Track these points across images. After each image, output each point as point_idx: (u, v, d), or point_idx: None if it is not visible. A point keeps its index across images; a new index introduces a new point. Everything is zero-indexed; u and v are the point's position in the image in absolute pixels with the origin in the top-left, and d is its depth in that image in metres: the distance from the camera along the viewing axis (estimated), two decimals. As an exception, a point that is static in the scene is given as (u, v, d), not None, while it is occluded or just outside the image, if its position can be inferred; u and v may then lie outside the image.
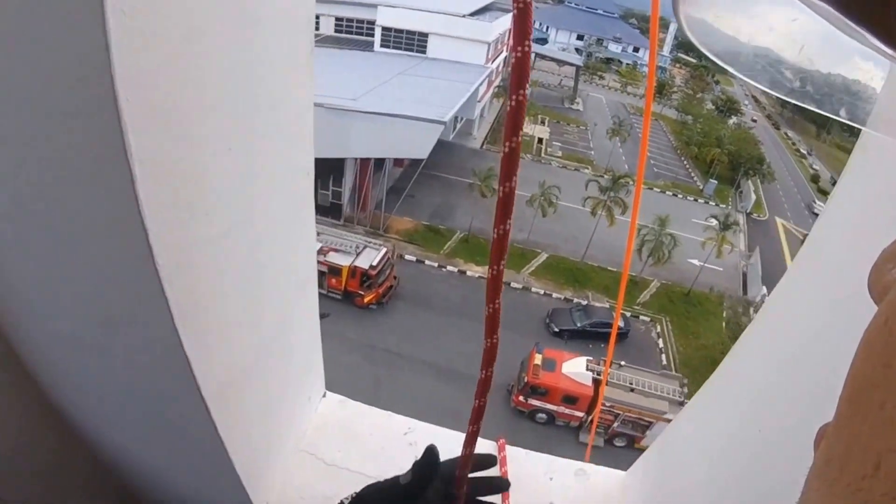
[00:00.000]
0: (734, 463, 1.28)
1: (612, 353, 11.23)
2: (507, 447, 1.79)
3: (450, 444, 1.90)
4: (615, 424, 19.52)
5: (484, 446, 1.79)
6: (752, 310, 26.19)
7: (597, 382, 19.62)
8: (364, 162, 26.98)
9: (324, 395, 1.87)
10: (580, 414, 19.64)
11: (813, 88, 0.51)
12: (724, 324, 26.48)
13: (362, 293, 22.95)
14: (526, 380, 19.40)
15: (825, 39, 0.42)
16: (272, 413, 1.50)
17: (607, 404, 19.23)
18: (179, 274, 0.84)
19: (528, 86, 0.64)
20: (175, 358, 0.91)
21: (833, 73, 0.48)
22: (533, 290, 26.36)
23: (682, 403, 19.85)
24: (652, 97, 1.95)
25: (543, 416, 19.83)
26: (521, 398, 19.71)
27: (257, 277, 1.17)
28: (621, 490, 1.79)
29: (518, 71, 0.62)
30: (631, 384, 19.68)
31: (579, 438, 19.75)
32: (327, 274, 22.96)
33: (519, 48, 0.61)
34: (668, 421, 16.77)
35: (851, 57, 0.46)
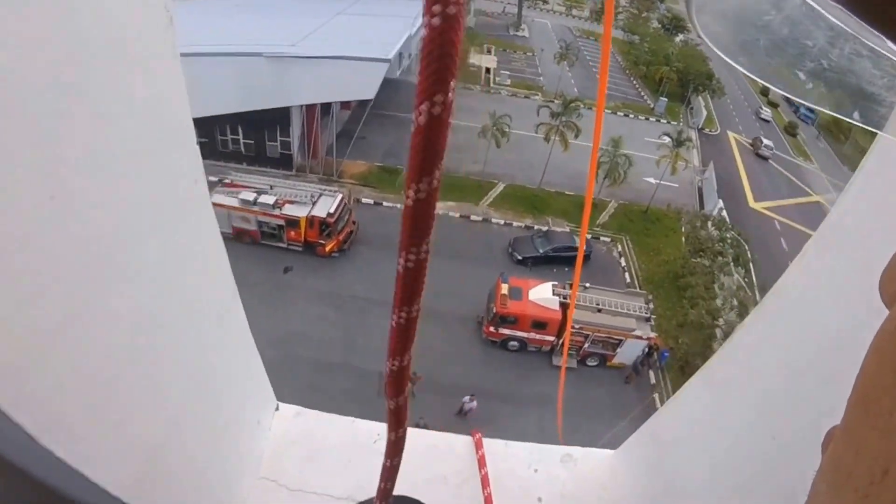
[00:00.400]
0: (731, 445, 1.27)
1: (578, 276, 11.24)
2: (485, 441, 1.65)
3: (425, 446, 1.49)
4: (586, 345, 20.21)
5: (460, 442, 1.70)
6: (709, 223, 27.16)
7: (564, 306, 20.10)
8: (310, 108, 25.99)
9: (276, 409, 1.70)
10: (551, 338, 20.18)
11: (827, 90, 0.50)
12: (683, 238, 27.38)
13: (323, 242, 22.45)
14: (494, 310, 19.65)
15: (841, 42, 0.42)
16: (216, 457, 1.35)
17: (576, 326, 19.82)
18: (25, 383, 0.66)
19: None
20: (64, 480, 0.72)
21: (848, 75, 0.47)
22: (493, 221, 26.36)
23: (648, 319, 20.73)
24: (611, 19, 1.63)
25: (515, 343, 20.30)
26: (491, 328, 20.03)
27: (151, 342, 0.98)
28: (611, 473, 1.70)
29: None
30: (598, 305, 20.24)
31: (552, 362, 20.41)
32: (286, 227, 22.38)
33: None
34: (638, 338, 17.39)
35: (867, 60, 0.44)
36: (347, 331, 20.15)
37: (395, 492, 1.33)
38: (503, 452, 1.64)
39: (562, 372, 7.99)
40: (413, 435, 1.46)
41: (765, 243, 27.36)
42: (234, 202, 22.08)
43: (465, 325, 20.95)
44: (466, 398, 17.96)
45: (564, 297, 20.06)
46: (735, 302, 21.17)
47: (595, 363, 20.25)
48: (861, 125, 0.51)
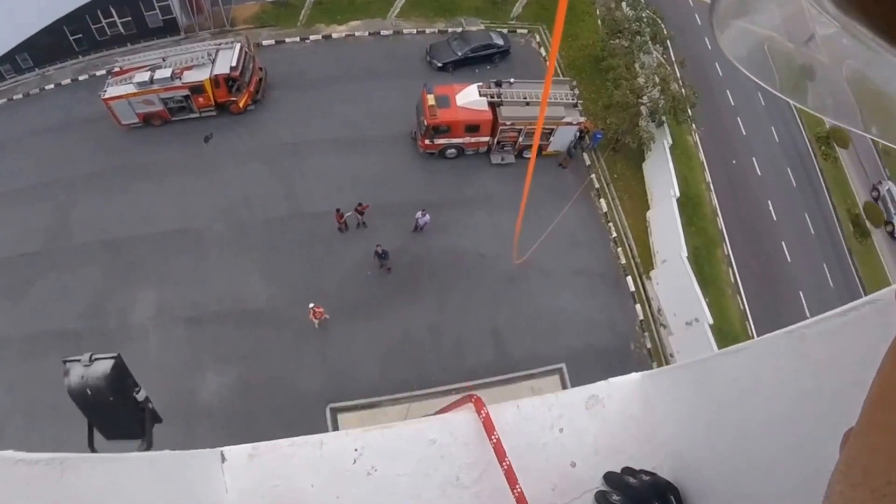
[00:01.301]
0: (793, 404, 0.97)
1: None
2: (490, 408, 1.31)
3: (410, 443, 1.30)
4: (520, 139, 20.66)
5: (461, 417, 1.35)
6: (623, 4, 26.23)
7: (493, 105, 20.07)
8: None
9: (223, 462, 1.31)
10: (486, 139, 20.46)
11: (846, 104, 0.50)
12: (599, 21, 26.66)
13: (234, 99, 21.04)
14: (425, 123, 19.47)
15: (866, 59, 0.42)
16: None
17: (508, 123, 20.04)
18: None
19: None
20: None
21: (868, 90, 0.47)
22: (405, 32, 24.85)
23: (575, 105, 20.99)
24: None
25: (453, 150, 20.53)
26: (426, 141, 20.04)
27: None
28: (644, 402, 1.39)
29: None
30: (525, 98, 20.25)
31: (491, 161, 21.01)
32: (191, 95, 20.75)
33: None
34: (569, 124, 17.59)
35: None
36: (285, 180, 19.92)
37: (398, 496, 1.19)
38: (513, 417, 1.33)
39: (522, 203, 8.02)
40: (400, 435, 1.26)
41: (679, 20, 27.02)
42: (130, 88, 20.11)
43: (401, 144, 20.90)
44: (419, 214, 18.64)
45: (492, 97, 19.92)
46: (657, 79, 21.47)
47: (530, 155, 20.91)
48: (880, 140, 0.51)
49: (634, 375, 1.41)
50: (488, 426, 1.23)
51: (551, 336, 18.03)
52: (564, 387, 17.05)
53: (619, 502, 1.10)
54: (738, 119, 25.93)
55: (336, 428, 15.96)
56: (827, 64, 0.49)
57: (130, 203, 19.93)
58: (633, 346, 19.28)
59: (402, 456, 1.19)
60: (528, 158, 20.90)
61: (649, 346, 19.31)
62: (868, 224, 26.74)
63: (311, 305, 16.81)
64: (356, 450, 1.26)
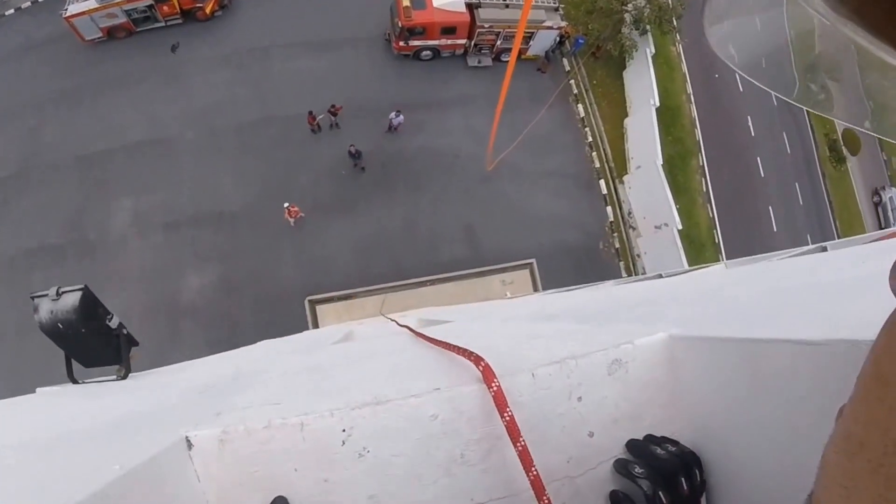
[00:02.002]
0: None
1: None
2: (505, 379, 1.13)
3: (407, 420, 1.12)
4: (498, 42, 20.26)
5: (466, 389, 1.17)
6: None
7: (470, 7, 19.55)
8: None
9: (189, 448, 1.11)
10: (462, 41, 20.01)
11: (837, 100, 0.50)
12: None
13: (200, 5, 20.20)
14: (400, 24, 18.93)
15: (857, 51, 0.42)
16: None
17: (487, 26, 19.59)
18: None
19: None
20: None
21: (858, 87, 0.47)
22: None
23: (557, 9, 20.48)
24: None
25: (429, 52, 20.13)
26: (401, 43, 19.58)
27: None
28: (670, 364, 1.24)
29: None
30: (505, 1, 19.74)
31: (467, 63, 20.68)
32: (156, 4, 19.82)
33: None
34: (549, 28, 17.15)
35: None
36: (256, 85, 19.55)
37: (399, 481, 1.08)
38: (531, 387, 1.16)
39: (498, 109, 7.73)
40: (396, 413, 1.11)
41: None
42: (92, 4, 19.13)
43: (374, 46, 20.41)
44: (392, 114, 18.52)
45: (469, -2, 19.37)
46: (641, -15, 20.83)
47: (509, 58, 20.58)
48: (873, 133, 0.51)
49: (661, 335, 1.23)
50: (500, 401, 1.07)
51: (523, 233, 18.46)
52: (534, 280, 17.62)
53: (642, 474, 1.02)
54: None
55: (315, 318, 16.53)
56: (818, 60, 0.50)
57: (100, 118, 19.57)
58: (601, 245, 19.84)
59: (397, 435, 1.09)
60: (506, 62, 20.51)
61: (617, 246, 19.86)
62: (845, 151, 27.00)
63: (286, 205, 16.99)
64: (344, 430, 1.10)
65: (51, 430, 1.65)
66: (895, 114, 0.50)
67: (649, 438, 1.15)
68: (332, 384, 1.57)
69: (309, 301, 16.41)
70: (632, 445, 1.15)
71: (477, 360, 1.15)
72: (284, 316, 16.40)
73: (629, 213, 20.36)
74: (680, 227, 18.62)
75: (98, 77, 20.19)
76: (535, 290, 17.31)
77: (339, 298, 16.57)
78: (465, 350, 1.24)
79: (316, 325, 16.56)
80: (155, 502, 0.94)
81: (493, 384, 1.08)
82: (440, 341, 1.56)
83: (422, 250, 17.79)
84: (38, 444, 1.36)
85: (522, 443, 1.05)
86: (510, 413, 1.06)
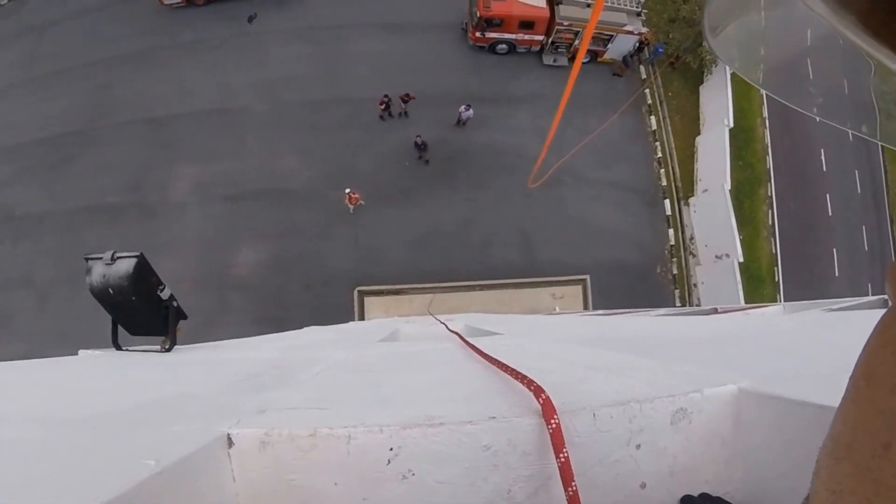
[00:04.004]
0: None
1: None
2: (564, 415, 1.05)
3: (458, 447, 1.05)
4: (576, 42, 19.60)
5: (522, 421, 1.08)
6: None
7: (551, 3, 18.96)
8: None
9: (230, 447, 1.05)
10: (540, 38, 19.45)
11: (837, 104, 0.51)
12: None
13: (278, -22, 20.22)
14: (478, 14, 18.49)
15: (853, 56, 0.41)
16: None
17: (566, 24, 18.97)
18: None
19: None
20: None
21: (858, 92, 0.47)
22: None
23: (639, 14, 19.65)
24: None
25: (504, 46, 19.63)
26: (477, 34, 19.13)
27: None
28: (735, 421, 1.16)
29: None
30: (587, 0, 19.06)
31: (542, 61, 20.11)
32: None
33: None
34: (629, 33, 16.44)
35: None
36: (329, 63, 19.48)
37: None
38: (589, 428, 1.10)
39: (558, 115, 7.37)
40: (445, 439, 1.04)
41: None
42: None
43: (449, 34, 20.05)
44: (462, 107, 18.17)
45: (550, -7, 18.77)
46: (732, -2, 19.78)
47: (586, 59, 19.89)
48: (868, 138, 0.50)
49: (731, 388, 1.18)
50: (558, 440, 1.02)
51: (579, 245, 17.95)
52: (586, 298, 17.13)
53: None
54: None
55: (362, 309, 16.48)
56: (819, 64, 0.48)
57: (172, 82, 19.87)
58: (659, 269, 19.12)
59: (447, 460, 1.03)
60: (583, 63, 19.84)
61: (675, 272, 19.12)
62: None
63: (347, 190, 16.91)
64: (391, 448, 1.05)
65: (86, 405, 1.61)
66: (892, 118, 0.48)
67: (705, 498, 1.09)
68: (382, 392, 1.52)
69: (358, 291, 16.36)
70: (686, 501, 1.09)
71: (538, 391, 1.09)
72: (331, 301, 16.42)
73: (691, 238, 19.56)
74: (741, 259, 17.84)
75: (173, 41, 20.50)
76: (585, 307, 16.85)
77: (389, 293, 16.47)
78: (525, 377, 1.18)
79: (362, 317, 16.54)
80: (186, 500, 0.89)
81: (553, 421, 1.03)
82: (497, 360, 1.49)
83: (475, 251, 17.49)
84: (71, 420, 1.33)
85: (574, 487, 0.98)
86: (566, 454, 1.00)
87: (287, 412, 1.17)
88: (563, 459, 0.99)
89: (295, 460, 1.04)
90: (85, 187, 18.74)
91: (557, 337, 3.79)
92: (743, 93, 21.75)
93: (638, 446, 1.11)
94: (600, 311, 11.20)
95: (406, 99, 18.03)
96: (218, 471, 1.02)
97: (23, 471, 0.90)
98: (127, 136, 19.36)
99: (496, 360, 1.51)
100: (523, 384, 1.17)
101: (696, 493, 1.11)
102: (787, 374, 1.40)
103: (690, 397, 1.14)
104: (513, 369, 1.29)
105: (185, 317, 3.39)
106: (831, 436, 0.38)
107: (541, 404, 1.06)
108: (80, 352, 3.13)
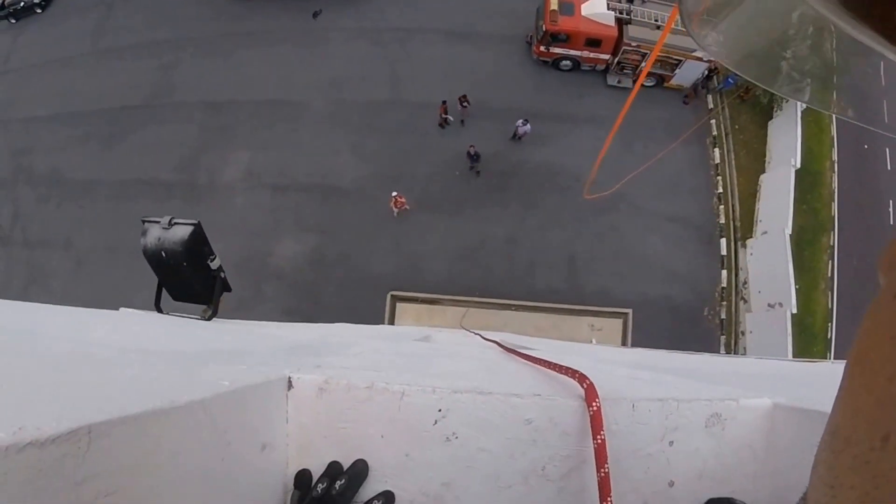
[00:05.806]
0: None
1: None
2: (603, 401, 1.06)
3: (502, 417, 1.08)
4: (643, 65, 18.95)
5: (565, 402, 1.10)
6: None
7: (620, 21, 18.39)
8: None
9: (289, 388, 1.10)
10: (606, 56, 18.87)
11: (818, 87, 0.51)
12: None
13: (349, -26, 20.31)
14: (544, 28, 18.07)
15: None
16: None
17: (633, 44, 18.35)
18: None
19: None
20: None
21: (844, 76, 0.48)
22: None
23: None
24: None
25: (568, 63, 19.14)
26: (541, 48, 18.70)
27: None
28: (768, 433, 1.18)
29: None
30: (657, 21, 18.38)
31: (607, 81, 19.52)
32: None
33: None
34: (699, 59, 15.75)
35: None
36: (391, 65, 19.40)
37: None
38: (628, 417, 1.12)
39: (613, 129, 7.02)
40: (488, 406, 1.07)
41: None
42: None
43: (513, 46, 19.70)
44: (520, 122, 17.75)
45: (620, 12, 18.18)
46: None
47: (651, 83, 19.18)
48: (856, 122, 0.50)
49: (766, 401, 1.19)
50: (596, 423, 1.04)
51: (626, 277, 17.21)
52: (625, 333, 16.38)
53: None
54: (885, 102, 22.71)
55: (393, 314, 16.17)
56: (810, 55, 0.48)
57: (233, 69, 20.18)
58: (707, 311, 18.15)
59: (490, 429, 1.05)
60: (648, 86, 19.17)
61: (723, 317, 18.11)
62: None
63: (394, 194, 16.71)
64: (440, 410, 1.08)
65: (161, 344, 1.65)
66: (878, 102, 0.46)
67: (730, 502, 1.08)
68: (430, 368, 1.54)
69: (391, 296, 16.07)
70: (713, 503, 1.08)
71: (581, 378, 1.11)
72: (365, 304, 16.20)
73: (744, 282, 18.51)
74: (795, 310, 16.74)
75: (238, 29, 20.83)
76: (623, 343, 16.13)
77: (423, 301, 16.11)
78: (569, 368, 1.18)
79: (392, 322, 16.25)
80: (240, 427, 0.94)
81: (594, 404, 1.05)
82: (540, 359, 1.48)
83: (518, 272, 17.00)
84: (157, 352, 1.36)
85: (607, 469, 1.00)
86: (603, 436, 1.02)
87: (342, 370, 1.20)
88: (599, 441, 1.01)
89: (349, 409, 1.08)
90: (136, 161, 19.15)
91: (601, 358, 3.68)
92: (813, 134, 20.60)
93: (671, 443, 1.13)
94: (639, 349, 10.66)
95: (464, 102, 17.70)
96: (275, 409, 1.06)
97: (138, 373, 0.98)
98: (184, 117, 19.73)
99: (540, 358, 1.48)
100: (567, 375, 1.18)
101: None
102: (822, 399, 1.33)
103: (726, 404, 1.17)
104: (557, 364, 1.28)
105: (229, 289, 3.41)
106: (830, 429, 0.36)
107: (585, 389, 1.08)
108: (122, 309, 3.12)
